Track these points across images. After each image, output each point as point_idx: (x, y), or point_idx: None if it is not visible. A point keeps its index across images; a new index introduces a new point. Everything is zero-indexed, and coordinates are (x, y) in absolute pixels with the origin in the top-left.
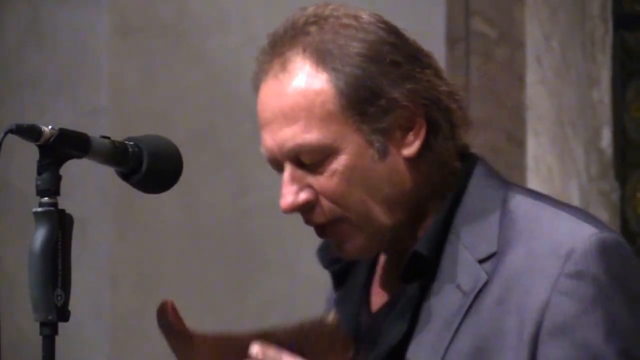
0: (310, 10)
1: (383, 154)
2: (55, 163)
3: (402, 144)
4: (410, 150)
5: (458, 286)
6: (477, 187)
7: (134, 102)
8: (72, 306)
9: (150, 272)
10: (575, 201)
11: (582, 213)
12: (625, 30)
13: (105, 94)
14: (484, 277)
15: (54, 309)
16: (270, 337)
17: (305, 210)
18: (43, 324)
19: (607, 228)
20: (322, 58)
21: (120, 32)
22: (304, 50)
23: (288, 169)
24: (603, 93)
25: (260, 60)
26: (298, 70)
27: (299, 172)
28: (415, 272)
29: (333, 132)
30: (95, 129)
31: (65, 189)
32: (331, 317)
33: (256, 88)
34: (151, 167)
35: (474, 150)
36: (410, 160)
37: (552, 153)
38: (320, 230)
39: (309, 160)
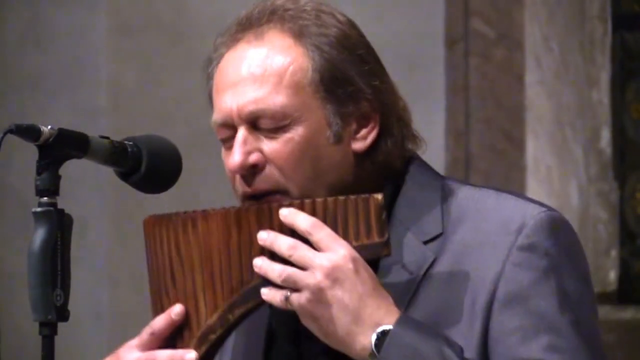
0: None
1: (338, 139)
2: (54, 163)
3: (354, 137)
4: (360, 145)
5: (403, 266)
6: (414, 180)
7: (133, 102)
8: (71, 306)
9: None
10: (575, 201)
11: (523, 195)
12: (625, 31)
13: (105, 94)
14: (430, 256)
15: (54, 309)
16: (300, 206)
17: (250, 174)
18: (42, 324)
19: (551, 207)
20: (300, 34)
21: (119, 32)
22: (282, 25)
23: (242, 132)
24: (602, 93)
25: (227, 34)
26: (275, 40)
27: (252, 136)
28: None
29: (298, 102)
30: (95, 129)
31: (64, 189)
32: (380, 195)
33: (215, 54)
34: (150, 167)
35: (472, 149)
36: (358, 156)
37: (551, 153)
38: (253, 199)
39: (268, 124)
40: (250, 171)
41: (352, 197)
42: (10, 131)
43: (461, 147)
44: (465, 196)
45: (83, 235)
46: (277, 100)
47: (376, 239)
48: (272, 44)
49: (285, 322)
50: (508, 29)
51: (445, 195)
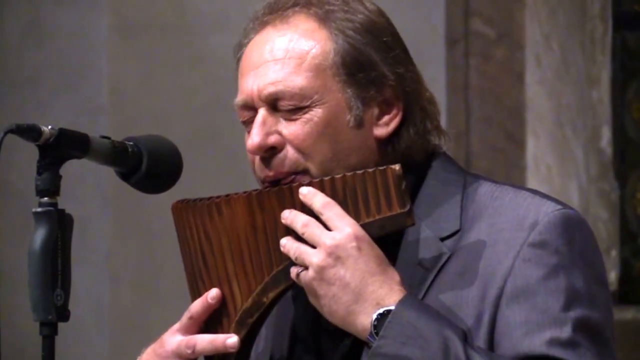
0: None
1: (358, 123)
2: (55, 163)
3: (376, 123)
4: (382, 131)
5: (420, 263)
6: (436, 175)
7: (134, 102)
8: (72, 306)
9: (149, 271)
10: (575, 201)
11: (541, 193)
12: (626, 30)
13: (105, 94)
14: (446, 253)
15: (54, 309)
16: (320, 184)
17: (269, 156)
18: (43, 324)
19: (569, 206)
20: (326, 18)
21: (120, 32)
22: (309, 10)
23: (262, 113)
24: (603, 93)
25: (255, 19)
26: (300, 23)
27: (272, 118)
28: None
29: (318, 85)
30: (95, 129)
31: (65, 189)
32: (397, 165)
33: (245, 40)
34: (151, 167)
35: (473, 148)
36: (380, 142)
37: (552, 153)
38: (274, 185)
39: (287, 106)
40: (270, 153)
41: (370, 170)
42: (11, 131)
43: (461, 147)
44: (485, 193)
45: (83, 236)
46: (297, 81)
47: (398, 209)
48: (296, 27)
49: (305, 317)
50: (508, 28)
51: (466, 192)
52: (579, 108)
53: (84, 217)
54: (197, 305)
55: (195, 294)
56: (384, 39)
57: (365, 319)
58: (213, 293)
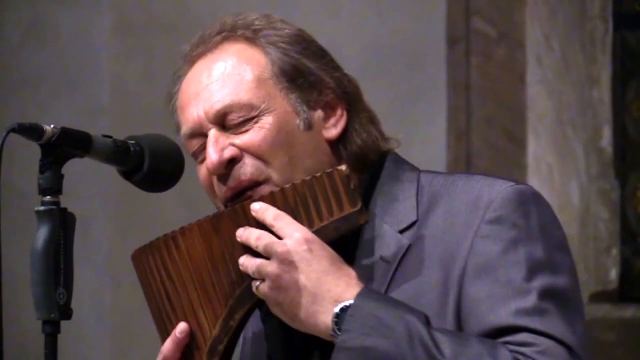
0: (236, 14)
1: (307, 126)
2: (57, 162)
3: (324, 126)
4: (332, 133)
5: (381, 257)
6: (390, 173)
7: (135, 101)
8: (74, 304)
9: None
10: (575, 200)
11: (494, 175)
12: (626, 30)
13: (107, 93)
14: (405, 243)
15: (56, 308)
16: (271, 197)
17: (228, 172)
18: (45, 323)
19: (521, 182)
20: (254, 37)
21: (121, 32)
22: (235, 33)
23: (213, 132)
24: (603, 92)
25: (183, 60)
26: (230, 47)
27: (223, 136)
28: (334, 248)
29: (263, 94)
30: (97, 128)
31: (67, 188)
32: (344, 166)
33: (176, 88)
34: (153, 166)
35: (474, 148)
36: (332, 144)
37: (552, 152)
38: (238, 196)
39: (237, 119)
40: (228, 168)
41: (318, 174)
42: (13, 130)
43: (462, 146)
44: (438, 183)
45: (86, 234)
46: (242, 94)
47: (350, 209)
48: (227, 51)
49: (275, 337)
50: (509, 28)
51: (420, 186)
52: (580, 107)
53: (86, 215)
54: (167, 345)
55: (165, 335)
56: (313, 49)
57: (326, 317)
58: (181, 327)
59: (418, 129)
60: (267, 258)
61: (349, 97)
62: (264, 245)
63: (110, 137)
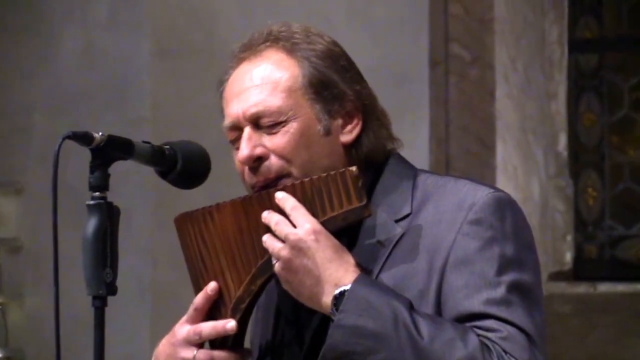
0: (281, 23)
1: (327, 132)
2: (104, 164)
3: (341, 132)
4: (347, 138)
5: (378, 241)
6: (391, 171)
7: (171, 113)
8: (119, 282)
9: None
10: (536, 195)
11: (477, 181)
12: (579, 53)
13: (147, 107)
14: (399, 231)
15: (104, 285)
16: (292, 188)
17: (257, 166)
18: (95, 298)
19: (500, 190)
20: (292, 49)
21: (159, 55)
22: (277, 44)
23: (247, 130)
24: (560, 105)
25: (233, 58)
26: (271, 55)
27: (256, 134)
28: (341, 233)
29: (292, 103)
30: (138, 135)
31: (113, 185)
32: (354, 167)
33: (225, 77)
34: (185, 167)
35: (452, 152)
36: (345, 147)
37: (517, 155)
38: (266, 187)
39: (267, 122)
40: (257, 163)
41: (332, 172)
42: (68, 137)
43: (442, 151)
44: (431, 182)
45: (129, 224)
46: (274, 102)
47: (357, 203)
48: (268, 59)
49: (286, 296)
50: (481, 52)
51: (416, 183)
52: (540, 118)
53: (129, 208)
54: (199, 298)
55: (198, 290)
56: (341, 63)
57: (327, 298)
58: (212, 286)
59: (405, 137)
60: (282, 240)
61: (365, 108)
62: (280, 230)
63: (149, 143)
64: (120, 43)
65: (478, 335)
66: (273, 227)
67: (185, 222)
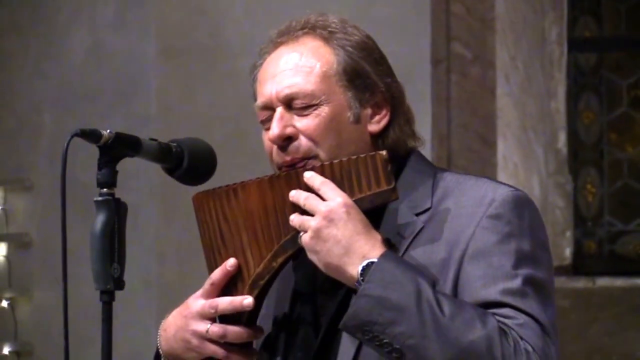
0: (319, 13)
1: (356, 119)
2: (112, 161)
3: (370, 121)
4: (374, 128)
5: (398, 233)
6: (413, 167)
7: (177, 111)
8: (126, 277)
9: (189, 249)
10: (536, 191)
11: (496, 180)
12: (578, 52)
13: (154, 105)
14: (420, 225)
15: (112, 280)
16: (321, 169)
17: (286, 145)
18: (102, 292)
19: (519, 189)
20: (329, 38)
21: (165, 55)
22: (314, 32)
23: (280, 110)
24: (559, 104)
25: (269, 42)
26: (308, 42)
27: (288, 115)
28: None
29: (325, 88)
30: (145, 133)
31: (120, 182)
32: (384, 151)
33: (260, 60)
34: (191, 164)
35: (453, 149)
36: (372, 136)
37: (518, 153)
38: (293, 166)
39: (300, 104)
40: (286, 142)
41: (362, 155)
42: (76, 134)
43: (444, 148)
44: (451, 179)
45: (136, 220)
46: (308, 85)
47: (385, 186)
48: (305, 45)
49: (305, 279)
50: (482, 51)
51: (436, 180)
52: (540, 116)
53: (136, 204)
54: (217, 273)
55: (213, 266)
56: (374, 56)
57: (353, 269)
58: (231, 262)
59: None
60: (312, 216)
61: (394, 101)
62: (310, 204)
63: (156, 140)
64: (127, 42)
65: (497, 320)
66: (302, 202)
67: (205, 199)
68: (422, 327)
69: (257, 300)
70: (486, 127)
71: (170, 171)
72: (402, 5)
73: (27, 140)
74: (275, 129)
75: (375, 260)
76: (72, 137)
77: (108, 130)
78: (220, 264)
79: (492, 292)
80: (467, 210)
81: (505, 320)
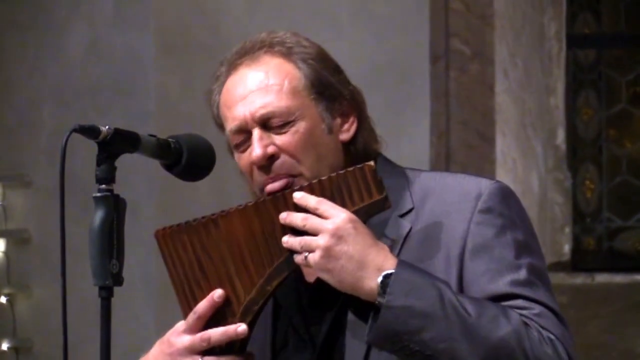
0: (268, 32)
1: (329, 130)
2: (111, 157)
3: (340, 130)
4: (345, 136)
5: (386, 236)
6: (383, 169)
7: (176, 107)
8: (125, 273)
9: None
10: (535, 188)
11: (473, 174)
12: (577, 49)
13: (152, 101)
14: (407, 226)
15: (110, 276)
16: (310, 188)
17: (268, 164)
18: (101, 288)
19: (499, 180)
20: (288, 54)
21: (164, 50)
22: (272, 49)
23: (257, 131)
24: (558, 100)
25: (226, 64)
26: (269, 60)
27: (266, 134)
28: None
29: (298, 103)
30: (144, 129)
31: (119, 178)
32: (372, 162)
33: (215, 85)
34: (190, 160)
35: (452, 146)
36: (344, 145)
37: (517, 149)
38: (275, 189)
39: (277, 122)
40: (269, 162)
41: (350, 169)
42: (75, 130)
43: (443, 144)
44: (427, 178)
45: (134, 216)
46: (282, 103)
47: (377, 196)
48: (267, 64)
49: (289, 295)
50: (481, 47)
51: (409, 180)
52: (539, 112)
53: (135, 200)
54: (203, 306)
55: (190, 300)
56: (332, 65)
57: (371, 282)
58: (219, 292)
59: (406, 130)
60: (311, 235)
61: (358, 107)
62: (312, 224)
63: (154, 136)
64: (126, 38)
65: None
66: (300, 223)
67: (175, 235)
68: (450, 330)
69: (250, 327)
70: (485, 124)
71: (169, 167)
72: (401, 1)
73: (25, 136)
74: (257, 149)
75: (393, 271)
76: (70, 133)
77: (107, 126)
78: (201, 297)
79: (501, 285)
80: (454, 207)
81: (523, 312)
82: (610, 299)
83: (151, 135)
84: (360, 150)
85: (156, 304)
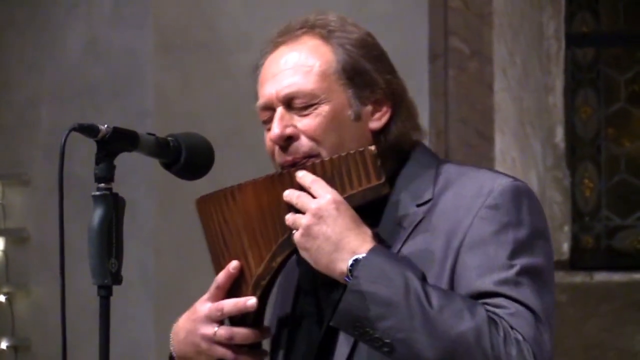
0: (318, 12)
1: (357, 117)
2: (110, 155)
3: (371, 118)
4: (375, 125)
5: (399, 223)
6: (416, 159)
7: (175, 106)
8: (124, 272)
9: (188, 244)
10: (534, 186)
11: (498, 171)
12: (575, 47)
13: (151, 100)
14: (420, 215)
15: (109, 275)
16: (312, 167)
17: (287, 145)
18: (100, 287)
19: (520, 180)
20: (328, 36)
21: (162, 49)
22: (313, 31)
23: (280, 110)
24: (557, 98)
25: (270, 43)
26: (308, 41)
27: (288, 115)
28: (365, 214)
29: (325, 87)
30: (143, 127)
31: (118, 177)
32: (373, 146)
33: (262, 61)
34: (188, 159)
35: (451, 144)
36: (374, 133)
37: (515, 147)
38: (291, 167)
39: (300, 104)
40: (287, 142)
41: (352, 152)
42: (74, 129)
43: (442, 142)
44: (453, 170)
45: (133, 214)
46: (308, 84)
47: (375, 181)
48: (304, 44)
49: (307, 275)
50: (480, 46)
51: (439, 171)
52: (537, 111)
53: (134, 199)
54: (221, 276)
55: (219, 269)
56: (374, 53)
57: (342, 265)
58: (234, 264)
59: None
60: (303, 214)
61: (394, 97)
62: (302, 202)
63: (153, 135)
64: (124, 37)
65: (487, 310)
66: (294, 201)
67: (206, 204)
68: (410, 321)
69: (261, 301)
70: (484, 122)
71: (167, 166)
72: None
73: (24, 134)
74: (275, 129)
75: (364, 255)
76: (69, 131)
77: (106, 125)
78: (224, 267)
79: (487, 282)
80: (466, 200)
81: (497, 310)
82: (609, 297)
83: (150, 134)
84: (392, 140)
85: (154, 302)
